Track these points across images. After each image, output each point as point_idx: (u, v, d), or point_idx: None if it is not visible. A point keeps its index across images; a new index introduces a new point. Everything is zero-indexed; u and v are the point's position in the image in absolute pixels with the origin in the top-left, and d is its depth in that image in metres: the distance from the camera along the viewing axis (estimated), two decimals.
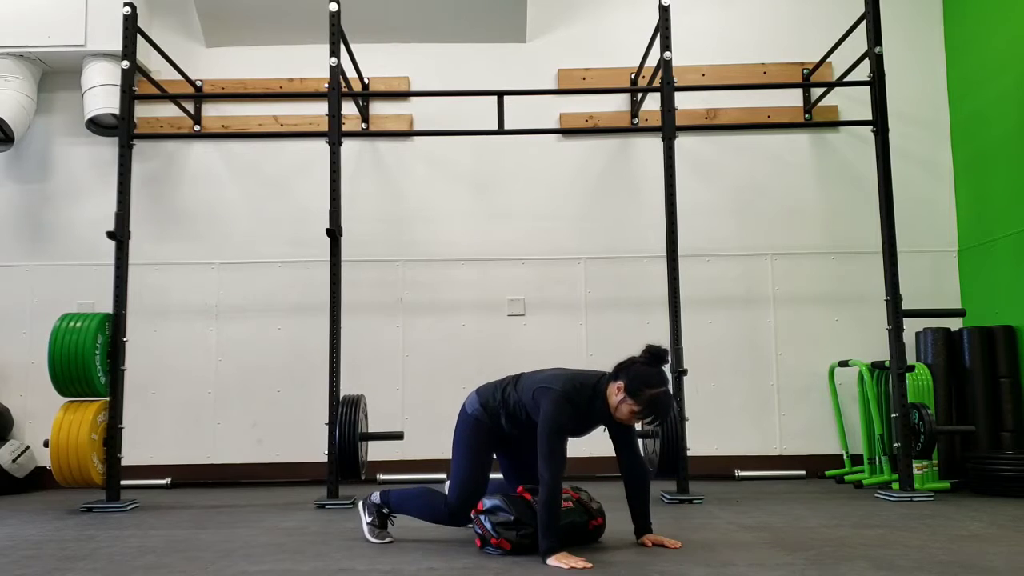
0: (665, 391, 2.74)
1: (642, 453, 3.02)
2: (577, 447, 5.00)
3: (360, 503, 3.17)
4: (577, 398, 2.78)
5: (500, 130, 4.59)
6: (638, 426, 3.00)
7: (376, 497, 3.11)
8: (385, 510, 3.08)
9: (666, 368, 2.78)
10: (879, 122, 4.33)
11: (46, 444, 4.00)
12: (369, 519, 3.09)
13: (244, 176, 5.32)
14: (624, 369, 2.76)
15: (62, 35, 5.04)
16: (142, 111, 5.22)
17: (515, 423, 2.93)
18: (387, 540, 3.06)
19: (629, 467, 2.91)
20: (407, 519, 3.11)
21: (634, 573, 2.53)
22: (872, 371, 4.60)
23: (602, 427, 2.93)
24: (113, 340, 4.14)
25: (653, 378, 2.72)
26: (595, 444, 4.97)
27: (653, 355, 2.76)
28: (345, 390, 4.20)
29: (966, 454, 4.49)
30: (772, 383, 5.12)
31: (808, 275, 5.19)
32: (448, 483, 3.06)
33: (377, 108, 5.38)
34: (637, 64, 5.10)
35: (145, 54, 4.93)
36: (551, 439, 2.71)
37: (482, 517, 2.86)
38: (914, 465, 4.18)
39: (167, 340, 5.14)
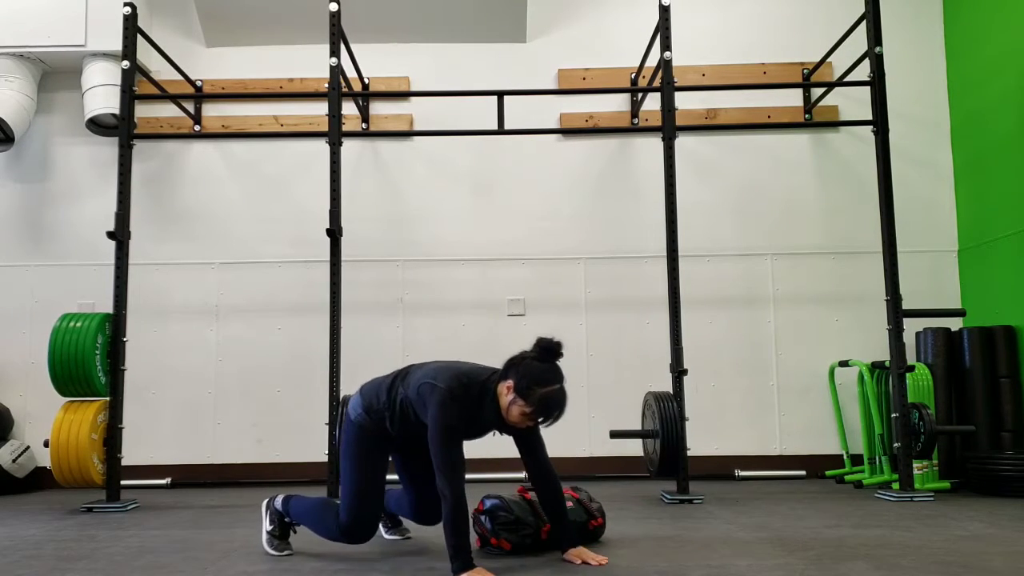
0: (558, 388, 2.44)
1: (550, 457, 2.69)
2: (577, 448, 5.05)
3: (263, 505, 2.90)
4: (465, 396, 2.49)
5: (500, 130, 4.59)
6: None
7: (279, 503, 2.86)
8: (287, 519, 2.85)
9: (560, 362, 2.50)
10: (879, 122, 4.33)
11: (46, 444, 4.00)
12: (270, 527, 2.84)
13: (244, 176, 5.32)
14: (514, 366, 2.47)
15: (62, 35, 5.04)
16: (142, 111, 5.22)
17: (404, 424, 2.64)
18: (286, 553, 2.80)
19: (537, 474, 2.63)
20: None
21: (633, 573, 2.53)
22: (872, 371, 4.60)
23: (493, 432, 2.66)
24: (113, 340, 4.14)
25: (545, 375, 2.44)
26: (595, 444, 5.01)
27: (544, 349, 2.48)
28: (345, 390, 4.18)
29: (966, 454, 4.49)
30: (772, 383, 5.12)
31: (808, 275, 5.19)
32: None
33: (377, 108, 5.38)
34: (637, 64, 5.10)
35: (145, 54, 4.93)
36: (444, 446, 2.42)
37: (482, 517, 2.86)
38: (914, 465, 4.17)
39: (167, 340, 5.14)
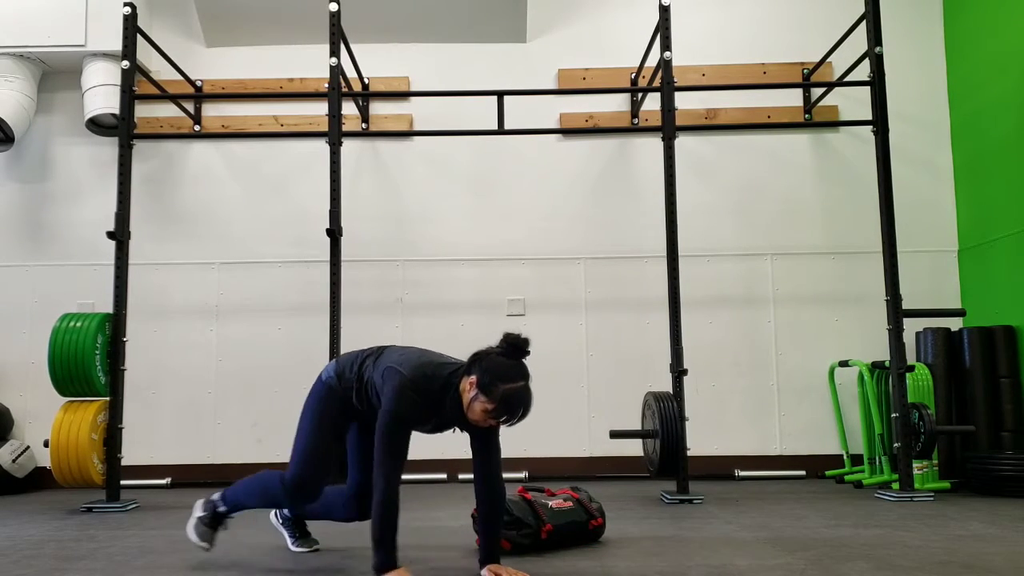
0: (523, 386, 2.33)
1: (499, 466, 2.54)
2: (577, 448, 5.05)
3: (200, 501, 2.79)
4: (426, 387, 2.40)
5: (500, 130, 4.59)
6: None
7: (216, 494, 2.77)
8: (221, 508, 2.73)
9: (527, 360, 2.41)
10: (879, 122, 4.33)
11: (46, 444, 4.00)
12: (201, 514, 2.73)
13: (244, 176, 5.32)
14: (478, 361, 2.38)
15: (62, 35, 5.04)
16: (142, 111, 5.22)
17: (364, 400, 2.59)
18: (204, 545, 2.70)
19: (485, 482, 2.48)
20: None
21: (633, 573, 2.53)
22: (872, 371, 4.60)
23: (453, 428, 2.55)
24: (113, 340, 4.14)
25: (510, 371, 2.34)
26: (595, 444, 5.01)
27: (511, 345, 2.39)
28: None
29: (966, 454, 4.49)
30: (772, 383, 5.12)
31: (808, 275, 5.19)
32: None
33: (377, 108, 5.38)
34: (637, 64, 5.10)
35: (145, 54, 4.93)
36: (389, 432, 2.34)
37: None
38: (914, 465, 4.18)
39: (167, 340, 5.14)
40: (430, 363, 2.47)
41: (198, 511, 2.74)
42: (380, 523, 2.29)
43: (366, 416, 2.61)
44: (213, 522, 2.72)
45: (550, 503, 2.99)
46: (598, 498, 3.17)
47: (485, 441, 2.48)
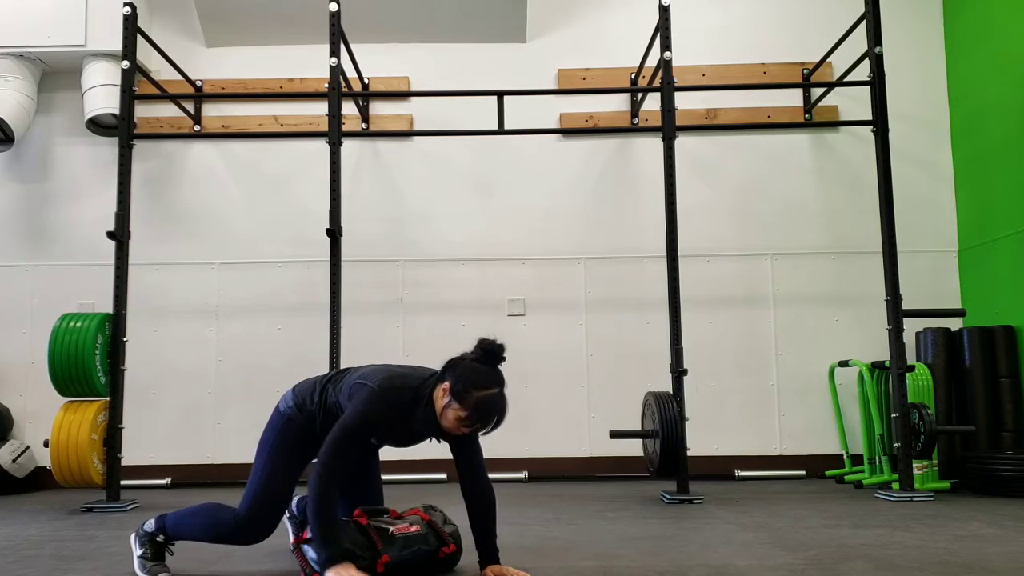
0: (497, 393, 2.28)
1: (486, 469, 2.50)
2: (577, 448, 5.04)
3: (132, 536, 2.67)
4: (395, 399, 2.35)
5: (500, 130, 4.59)
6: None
7: (150, 525, 2.62)
8: (160, 538, 2.61)
9: (502, 366, 2.34)
10: (879, 122, 4.33)
11: (46, 444, 4.00)
12: (140, 551, 2.59)
13: (244, 176, 5.32)
14: (451, 367, 2.32)
15: (62, 35, 5.04)
16: (142, 111, 5.23)
17: (328, 428, 2.44)
18: (163, 574, 2.57)
19: (472, 484, 2.45)
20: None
21: (633, 573, 2.53)
22: (872, 371, 4.60)
23: (430, 439, 2.47)
24: (113, 340, 4.14)
25: (484, 378, 2.27)
26: (595, 444, 5.01)
27: (485, 351, 2.31)
28: None
29: (966, 454, 4.49)
30: (772, 383, 5.12)
31: (808, 275, 5.19)
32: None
33: (377, 108, 5.38)
34: (637, 64, 5.10)
35: (145, 54, 4.93)
36: (345, 435, 2.29)
37: (305, 547, 2.48)
38: (914, 465, 4.18)
39: (167, 340, 5.14)
40: (399, 374, 2.42)
41: (136, 549, 2.62)
42: (319, 521, 2.24)
43: None
44: (157, 555, 2.61)
45: (391, 528, 2.55)
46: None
47: (465, 442, 2.45)
